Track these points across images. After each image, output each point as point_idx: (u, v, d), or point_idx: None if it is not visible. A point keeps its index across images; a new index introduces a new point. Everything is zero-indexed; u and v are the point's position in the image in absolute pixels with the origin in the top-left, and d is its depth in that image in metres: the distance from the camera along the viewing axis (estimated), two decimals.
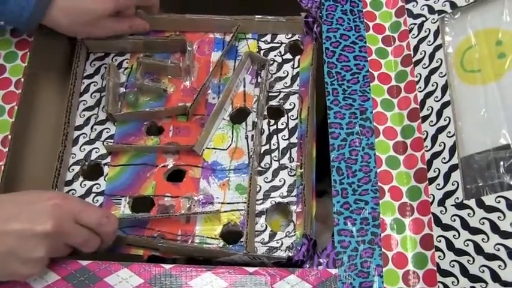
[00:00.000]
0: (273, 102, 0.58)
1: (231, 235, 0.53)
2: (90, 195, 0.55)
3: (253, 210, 0.53)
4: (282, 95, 0.58)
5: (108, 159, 0.57)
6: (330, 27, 0.56)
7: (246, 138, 0.57)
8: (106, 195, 0.55)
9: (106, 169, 0.56)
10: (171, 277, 0.46)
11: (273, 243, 0.52)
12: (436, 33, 0.52)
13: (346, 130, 0.52)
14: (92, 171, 0.56)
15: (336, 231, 0.48)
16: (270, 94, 0.59)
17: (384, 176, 0.50)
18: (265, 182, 0.55)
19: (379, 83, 0.54)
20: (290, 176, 0.54)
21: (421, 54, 0.53)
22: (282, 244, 0.51)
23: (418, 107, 0.51)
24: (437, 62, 0.51)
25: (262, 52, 0.61)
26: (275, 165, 0.55)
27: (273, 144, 0.56)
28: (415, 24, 0.54)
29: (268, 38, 0.62)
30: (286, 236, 0.52)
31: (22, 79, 0.55)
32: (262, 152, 0.56)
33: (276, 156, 0.56)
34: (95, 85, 0.60)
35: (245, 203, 0.53)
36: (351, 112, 0.52)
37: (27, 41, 0.57)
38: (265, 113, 0.58)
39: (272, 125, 0.57)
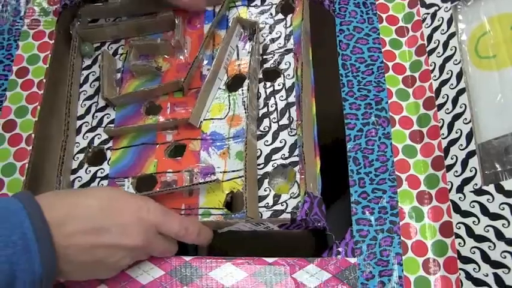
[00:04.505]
0: (268, 65, 0.57)
1: (235, 203, 0.51)
2: (95, 180, 0.55)
3: (252, 175, 0.50)
4: (276, 55, 0.57)
5: (110, 144, 0.57)
6: (343, 20, 0.56)
7: (244, 104, 0.55)
8: (110, 178, 0.55)
9: (109, 153, 0.56)
10: (191, 268, 0.46)
11: (277, 206, 0.50)
12: (450, 22, 0.51)
13: (362, 121, 0.52)
14: (96, 157, 0.56)
15: (354, 220, 0.48)
16: (264, 57, 0.57)
17: (401, 165, 0.50)
18: (266, 145, 0.53)
19: (394, 73, 0.54)
20: (290, 136, 0.52)
21: (435, 43, 0.52)
22: (287, 206, 0.49)
23: (433, 95, 0.51)
24: (451, 50, 0.50)
25: (253, 17, 0.59)
26: (274, 127, 0.53)
27: (271, 106, 0.54)
28: (428, 14, 0.54)
29: (258, 1, 0.60)
30: (290, 197, 0.50)
31: (44, 80, 0.57)
32: (260, 115, 0.54)
33: (274, 118, 0.54)
34: (93, 75, 0.60)
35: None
36: (366, 103, 0.52)
37: (48, 43, 0.59)
38: (261, 76, 0.56)
39: (268, 88, 0.55)
